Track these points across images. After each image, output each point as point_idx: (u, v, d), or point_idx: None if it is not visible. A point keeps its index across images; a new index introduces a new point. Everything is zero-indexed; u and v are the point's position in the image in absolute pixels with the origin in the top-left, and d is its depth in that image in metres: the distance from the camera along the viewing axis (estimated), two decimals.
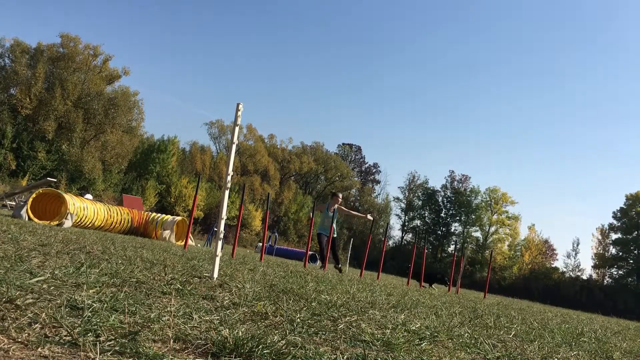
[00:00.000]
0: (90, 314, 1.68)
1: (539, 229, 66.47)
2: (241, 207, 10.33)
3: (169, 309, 1.99)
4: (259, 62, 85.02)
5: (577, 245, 61.12)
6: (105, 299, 1.99)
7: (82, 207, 11.81)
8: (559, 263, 63.48)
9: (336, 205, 11.75)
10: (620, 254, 58.34)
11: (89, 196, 22.49)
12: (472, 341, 2.45)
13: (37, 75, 39.27)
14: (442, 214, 65.57)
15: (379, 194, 71.94)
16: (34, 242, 4.25)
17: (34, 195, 11.57)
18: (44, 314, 1.59)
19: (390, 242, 65.37)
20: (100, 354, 1.34)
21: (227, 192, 3.67)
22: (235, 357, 1.52)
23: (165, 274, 3.17)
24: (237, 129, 3.73)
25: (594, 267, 59.51)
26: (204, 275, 3.55)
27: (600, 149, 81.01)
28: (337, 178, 66.82)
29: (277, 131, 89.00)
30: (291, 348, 1.66)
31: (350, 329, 2.24)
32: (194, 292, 2.61)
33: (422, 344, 2.12)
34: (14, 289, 1.89)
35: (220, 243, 3.68)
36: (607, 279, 59.30)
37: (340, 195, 12.19)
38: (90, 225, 12.17)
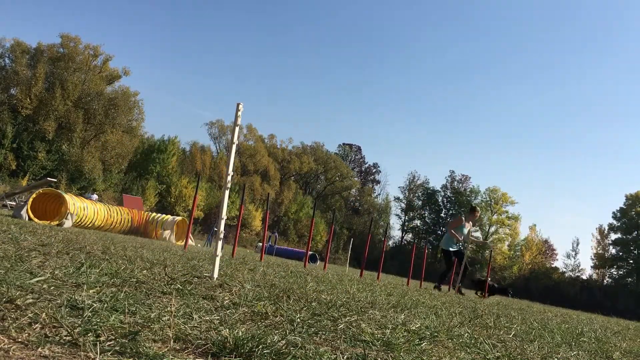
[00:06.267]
0: (90, 314, 1.68)
1: (539, 229, 66.47)
2: (241, 207, 10.33)
3: (169, 309, 1.99)
4: (259, 62, 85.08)
5: (577, 245, 61.15)
6: (105, 299, 1.99)
7: (82, 207, 11.82)
8: (559, 263, 63.50)
9: (470, 223, 10.60)
10: (620, 254, 58.32)
11: (94, 196, 22.52)
12: (472, 341, 2.45)
13: (37, 76, 39.27)
14: (442, 214, 65.58)
15: (379, 194, 72.00)
16: (34, 242, 4.25)
17: (34, 196, 11.58)
18: (44, 314, 1.59)
19: (390, 242, 65.40)
20: (100, 354, 1.34)
21: (227, 192, 3.67)
22: (235, 357, 1.52)
23: (166, 274, 3.17)
24: (237, 129, 3.73)
25: (594, 267, 59.52)
26: (204, 275, 3.55)
27: (600, 149, 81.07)
28: (337, 178, 66.81)
29: (277, 131, 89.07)
30: (291, 348, 1.66)
31: (350, 329, 2.24)
32: (194, 292, 2.61)
33: (422, 344, 2.12)
34: (14, 289, 1.89)
35: (220, 243, 3.67)
36: (607, 279, 59.30)
37: (479, 211, 10.83)
38: (90, 225, 12.17)
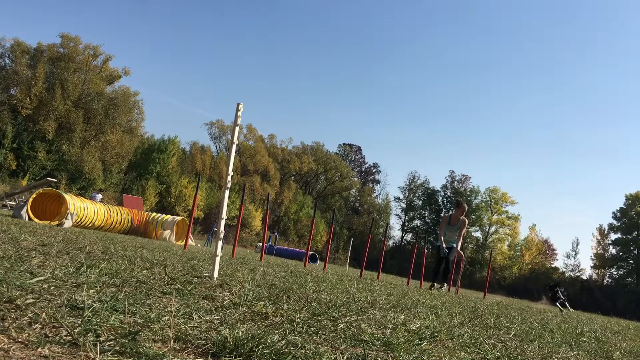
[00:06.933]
0: (90, 314, 1.68)
1: (539, 229, 66.50)
2: (241, 207, 10.33)
3: (169, 309, 1.99)
4: (259, 62, 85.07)
5: (577, 245, 61.17)
6: (105, 299, 1.99)
7: (82, 207, 11.82)
8: (559, 263, 63.53)
9: (461, 217, 10.14)
10: (620, 254, 58.32)
11: (99, 196, 22.54)
12: (472, 341, 2.45)
13: (37, 76, 39.26)
14: (442, 214, 65.56)
15: (379, 194, 72.00)
16: (34, 242, 4.25)
17: (34, 196, 11.58)
18: (44, 314, 1.59)
19: (390, 242, 65.41)
20: (100, 354, 1.34)
21: (227, 192, 3.67)
22: (235, 357, 1.52)
23: (166, 274, 3.17)
24: (237, 129, 3.73)
25: (594, 267, 59.52)
26: (204, 275, 3.55)
27: (600, 149, 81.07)
28: (337, 178, 66.81)
29: (277, 131, 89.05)
30: (291, 348, 1.66)
31: (350, 329, 2.24)
32: (194, 292, 2.61)
33: (422, 344, 2.12)
34: (14, 289, 1.89)
35: (220, 243, 3.67)
36: (607, 279, 59.31)
37: (465, 208, 10.34)
38: (90, 225, 12.17)
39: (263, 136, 62.38)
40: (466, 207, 10.55)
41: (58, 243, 4.61)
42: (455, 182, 66.74)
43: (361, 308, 3.09)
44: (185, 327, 1.73)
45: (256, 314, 2.23)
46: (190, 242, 13.15)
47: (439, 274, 10.09)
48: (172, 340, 1.56)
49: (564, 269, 60.38)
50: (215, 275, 3.45)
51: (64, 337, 1.43)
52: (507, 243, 61.45)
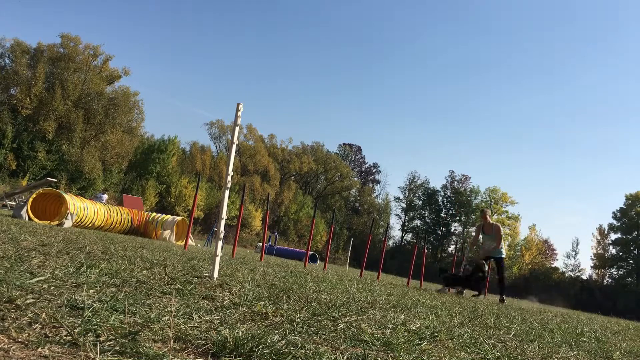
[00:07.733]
0: (90, 314, 1.68)
1: (539, 229, 66.46)
2: (241, 207, 10.33)
3: (169, 309, 1.99)
4: (259, 62, 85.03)
5: (577, 245, 61.18)
6: (105, 299, 1.99)
7: (82, 207, 11.81)
8: (559, 263, 63.51)
9: (488, 220, 10.05)
10: (620, 254, 58.31)
11: (104, 196, 22.55)
12: (472, 341, 2.45)
13: (37, 76, 39.25)
14: (442, 214, 65.59)
15: (379, 194, 72.01)
16: (34, 242, 4.25)
17: (34, 196, 11.58)
18: (44, 314, 1.59)
19: (390, 242, 65.41)
20: (100, 354, 1.34)
21: (227, 192, 3.67)
22: (235, 357, 1.52)
23: (166, 274, 3.17)
24: (237, 129, 3.73)
25: (594, 267, 59.52)
26: (204, 275, 3.55)
27: (600, 149, 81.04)
28: (337, 178, 66.81)
29: (277, 131, 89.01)
30: (291, 348, 1.66)
31: (350, 329, 2.24)
32: (194, 292, 2.61)
33: (422, 344, 2.12)
34: (14, 289, 1.89)
35: (220, 243, 3.67)
36: (607, 279, 59.30)
37: (488, 213, 10.25)
38: (90, 225, 12.16)
39: (263, 136, 62.42)
40: (485, 210, 10.45)
41: (58, 243, 4.61)
42: (455, 182, 66.75)
43: (361, 308, 3.09)
44: (185, 327, 1.73)
45: (256, 314, 2.23)
46: (190, 242, 13.15)
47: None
48: (172, 340, 1.56)
49: (564, 269, 60.42)
50: (215, 275, 3.45)
51: (64, 337, 1.43)
52: (507, 243, 61.45)
